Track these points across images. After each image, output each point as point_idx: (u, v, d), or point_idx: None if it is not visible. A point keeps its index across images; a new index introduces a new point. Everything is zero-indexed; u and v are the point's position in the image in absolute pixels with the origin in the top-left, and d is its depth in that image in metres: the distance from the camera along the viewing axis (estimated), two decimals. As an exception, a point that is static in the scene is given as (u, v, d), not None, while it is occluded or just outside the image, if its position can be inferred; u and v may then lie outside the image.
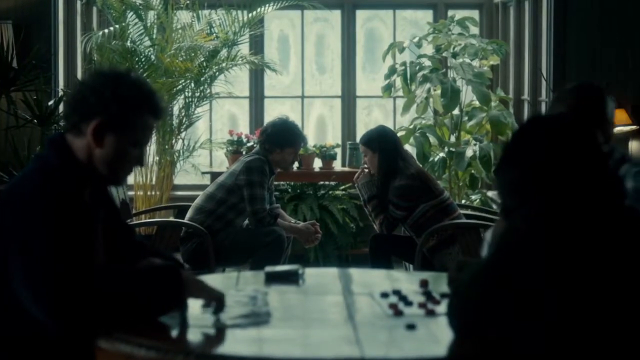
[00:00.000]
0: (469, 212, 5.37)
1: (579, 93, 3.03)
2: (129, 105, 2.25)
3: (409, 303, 2.36)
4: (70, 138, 2.29)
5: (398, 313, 2.28)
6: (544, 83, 6.05)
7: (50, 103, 5.38)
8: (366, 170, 4.96)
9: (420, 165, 5.32)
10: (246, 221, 4.97)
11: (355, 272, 2.90)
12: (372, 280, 2.78)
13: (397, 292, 2.49)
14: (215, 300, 2.19)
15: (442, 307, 2.31)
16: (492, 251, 2.00)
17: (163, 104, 2.36)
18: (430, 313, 2.29)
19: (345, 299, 2.46)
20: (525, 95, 6.57)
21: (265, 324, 2.18)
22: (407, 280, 2.82)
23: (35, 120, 5.19)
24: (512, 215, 2.05)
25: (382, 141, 4.86)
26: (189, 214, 4.95)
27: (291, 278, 2.68)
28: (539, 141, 2.01)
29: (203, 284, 2.22)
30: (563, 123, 2.07)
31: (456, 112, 6.44)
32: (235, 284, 2.63)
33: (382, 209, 4.84)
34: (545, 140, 2.01)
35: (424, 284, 2.61)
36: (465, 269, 2.39)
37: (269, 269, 2.72)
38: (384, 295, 2.46)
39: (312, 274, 2.78)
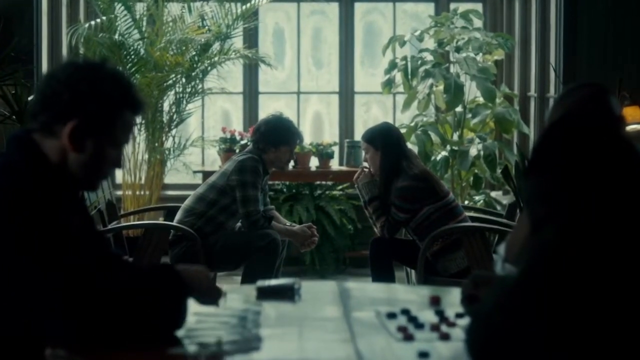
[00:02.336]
0: (472, 213, 5.26)
1: (577, 93, 2.75)
2: (109, 103, 2.00)
3: (419, 325, 2.11)
4: (37, 137, 2.02)
5: (408, 337, 2.01)
6: (552, 79, 5.86)
7: (30, 98, 5.12)
8: (366, 170, 4.81)
9: (425, 165, 5.17)
10: (238, 224, 4.86)
11: (356, 287, 2.65)
12: (375, 296, 2.53)
13: (405, 312, 2.23)
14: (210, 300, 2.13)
15: (458, 330, 2.06)
16: (520, 269, 1.74)
17: (143, 98, 2.11)
18: (445, 337, 2.03)
19: (347, 320, 2.19)
20: (532, 92, 6.44)
21: (256, 350, 1.92)
22: (414, 296, 2.56)
23: (14, 117, 4.95)
24: (542, 226, 1.79)
25: (386, 138, 4.72)
26: (178, 216, 4.84)
27: (286, 294, 2.44)
28: (571, 142, 1.77)
29: (203, 277, 2.13)
30: (597, 123, 1.82)
31: (459, 109, 6.35)
32: (224, 302, 2.36)
33: (384, 211, 4.70)
34: (579, 141, 1.77)
35: (435, 301, 2.35)
36: (483, 286, 2.14)
37: (261, 283, 2.47)
38: (391, 315, 2.20)
39: (309, 289, 2.53)
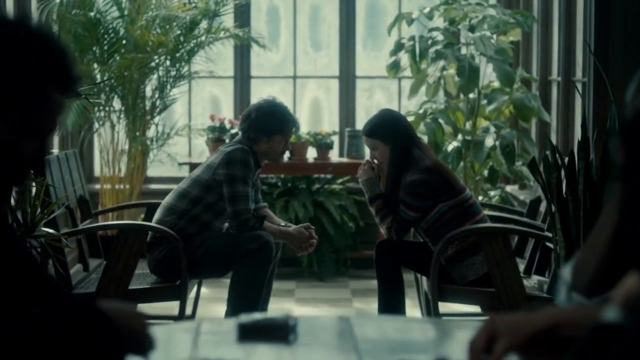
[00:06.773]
0: (488, 211, 5.03)
1: None
2: (14, 71, 1.51)
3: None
4: None
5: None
6: (579, 60, 5.47)
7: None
8: (366, 166, 4.55)
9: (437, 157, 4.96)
10: (226, 224, 4.64)
11: (366, 324, 2.10)
12: (394, 337, 1.97)
13: (441, 367, 1.66)
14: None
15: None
16: (634, 327, 1.20)
17: (76, 70, 1.59)
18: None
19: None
20: (554, 76, 6.11)
21: None
22: (445, 334, 1.99)
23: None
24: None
25: (394, 129, 4.45)
26: (157, 215, 4.63)
27: (278, 333, 1.90)
28: None
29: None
30: None
31: (472, 94, 6.09)
32: (193, 344, 1.83)
33: (390, 210, 4.43)
34: None
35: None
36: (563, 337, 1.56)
37: (245, 318, 1.92)
38: (423, 371, 1.64)
39: (306, 329, 1.96)
